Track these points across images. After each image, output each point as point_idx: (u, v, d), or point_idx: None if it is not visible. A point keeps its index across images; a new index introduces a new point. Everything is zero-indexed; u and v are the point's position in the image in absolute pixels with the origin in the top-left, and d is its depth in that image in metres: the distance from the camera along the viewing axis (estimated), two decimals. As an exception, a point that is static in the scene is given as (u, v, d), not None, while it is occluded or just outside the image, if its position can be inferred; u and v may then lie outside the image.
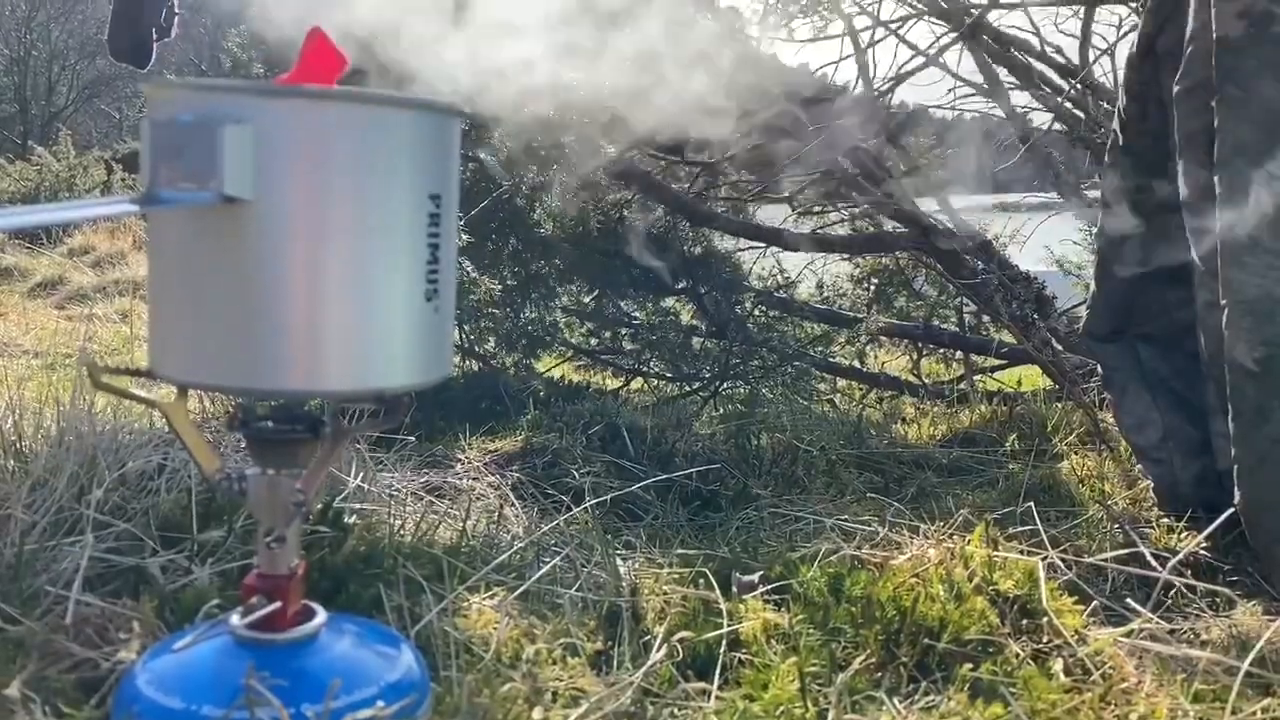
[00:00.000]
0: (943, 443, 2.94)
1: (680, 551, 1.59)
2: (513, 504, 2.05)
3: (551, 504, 2.11)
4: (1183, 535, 1.89)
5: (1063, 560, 1.57)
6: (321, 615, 0.98)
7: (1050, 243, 4.67)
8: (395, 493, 1.82)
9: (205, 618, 1.13)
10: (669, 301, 4.05)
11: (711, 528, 2.13)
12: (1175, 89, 1.75)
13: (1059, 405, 3.06)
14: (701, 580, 1.39)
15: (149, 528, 1.32)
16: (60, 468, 1.32)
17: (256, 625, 0.93)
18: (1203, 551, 1.78)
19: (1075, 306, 4.13)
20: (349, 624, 1.04)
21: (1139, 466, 2.24)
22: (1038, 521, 1.73)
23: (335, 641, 0.97)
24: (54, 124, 21.38)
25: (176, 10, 2.74)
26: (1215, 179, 1.63)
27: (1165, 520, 1.98)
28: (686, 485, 2.26)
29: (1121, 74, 2.22)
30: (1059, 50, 3.72)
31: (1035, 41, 3.53)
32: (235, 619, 0.95)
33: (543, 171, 2.77)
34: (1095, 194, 3.80)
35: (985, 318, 4.39)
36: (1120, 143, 2.09)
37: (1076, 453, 2.64)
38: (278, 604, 0.92)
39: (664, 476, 2.14)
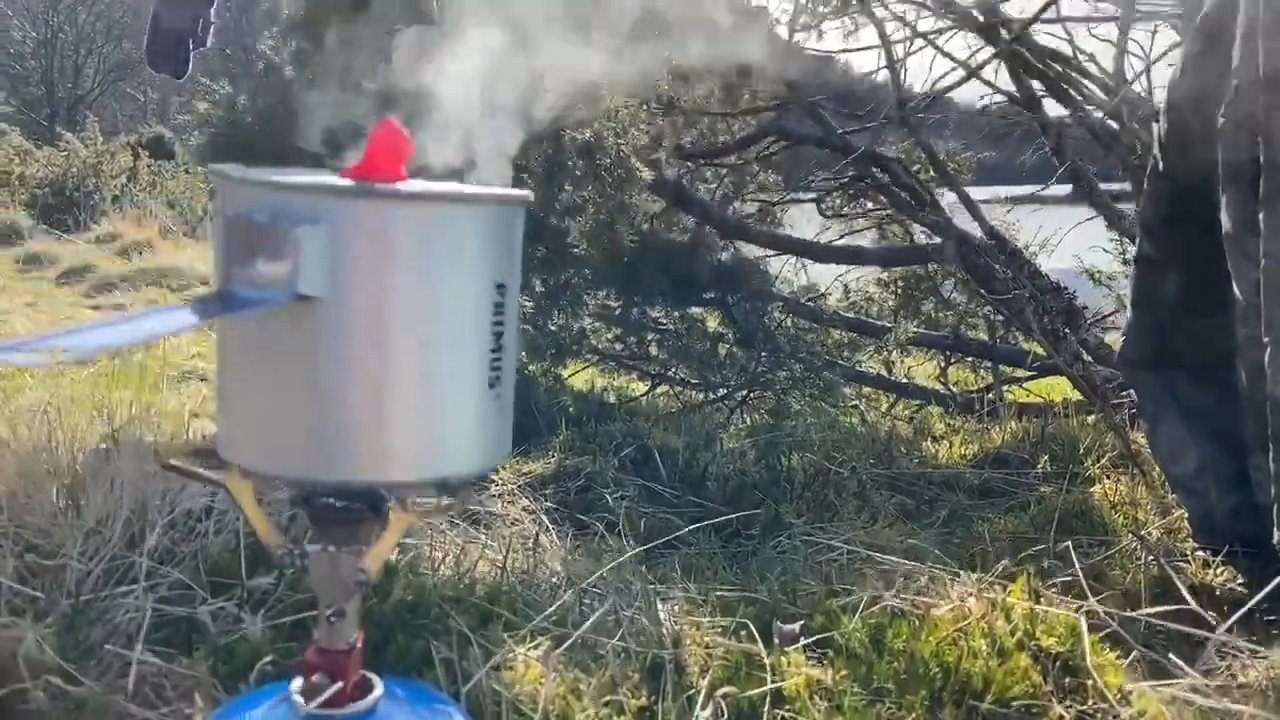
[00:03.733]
0: (973, 463, 2.93)
1: (720, 593, 1.60)
2: (547, 529, 2.07)
3: (587, 533, 2.12)
4: (1219, 571, 1.88)
5: (1103, 610, 1.57)
6: (379, 687, 0.99)
7: (1080, 250, 4.62)
8: (432, 523, 1.83)
9: (259, 674, 1.15)
10: (696, 309, 4.04)
11: (745, 556, 2.14)
12: (1221, 120, 1.71)
13: (1089, 422, 3.05)
14: (743, 631, 1.40)
15: (198, 573, 1.33)
16: (114, 514, 1.34)
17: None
18: (1239, 588, 1.78)
19: (1107, 316, 4.09)
20: (402, 690, 1.05)
21: (1173, 496, 2.23)
22: (1075, 563, 1.73)
23: (393, 712, 0.99)
24: (79, 106, 21.51)
25: (212, 20, 2.76)
26: (1260, 215, 1.61)
27: (1200, 554, 1.97)
28: (720, 512, 2.27)
29: (1159, 92, 2.18)
30: (1092, 57, 3.67)
31: (1071, 54, 3.49)
32: (295, 689, 0.96)
33: (578, 191, 2.77)
34: (1124, 205, 3.76)
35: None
36: (1160, 168, 2.06)
37: (1109, 476, 2.63)
38: (339, 684, 0.93)
39: (697, 502, 2.15)
